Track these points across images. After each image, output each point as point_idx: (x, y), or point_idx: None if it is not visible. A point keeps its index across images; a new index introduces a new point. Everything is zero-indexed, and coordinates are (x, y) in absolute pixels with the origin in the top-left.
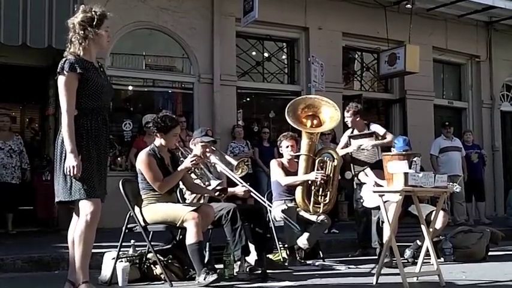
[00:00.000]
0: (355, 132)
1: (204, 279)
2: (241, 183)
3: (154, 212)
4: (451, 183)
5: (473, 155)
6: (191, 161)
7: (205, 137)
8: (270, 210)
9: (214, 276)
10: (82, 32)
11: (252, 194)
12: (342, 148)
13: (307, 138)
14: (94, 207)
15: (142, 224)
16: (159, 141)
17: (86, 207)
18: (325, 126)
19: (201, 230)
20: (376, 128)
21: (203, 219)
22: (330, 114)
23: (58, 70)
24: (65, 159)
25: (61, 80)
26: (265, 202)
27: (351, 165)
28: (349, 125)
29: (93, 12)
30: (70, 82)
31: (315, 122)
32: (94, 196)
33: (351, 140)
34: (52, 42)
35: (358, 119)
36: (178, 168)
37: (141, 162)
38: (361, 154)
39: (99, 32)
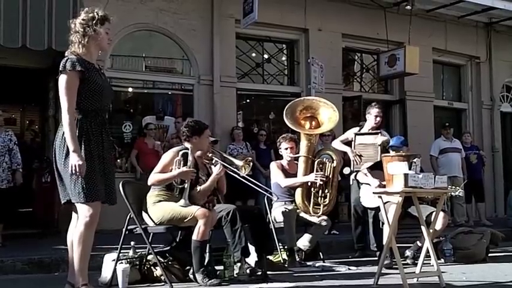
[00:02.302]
0: (363, 130)
1: (202, 281)
2: (250, 180)
3: (163, 209)
4: (454, 187)
5: (472, 156)
6: (185, 172)
7: None
8: (270, 211)
9: (214, 282)
10: (82, 30)
11: (250, 183)
12: (342, 141)
13: (305, 140)
14: (93, 210)
15: (150, 224)
16: (189, 146)
17: (85, 209)
18: (324, 128)
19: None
20: (384, 133)
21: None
22: (328, 115)
23: (60, 69)
24: (65, 158)
25: (62, 78)
26: (266, 190)
27: (351, 161)
28: (375, 120)
29: (95, 13)
30: (71, 80)
31: (314, 123)
32: (94, 199)
33: (357, 137)
34: (52, 44)
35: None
36: (174, 172)
37: (166, 154)
38: (364, 152)
39: (99, 31)
